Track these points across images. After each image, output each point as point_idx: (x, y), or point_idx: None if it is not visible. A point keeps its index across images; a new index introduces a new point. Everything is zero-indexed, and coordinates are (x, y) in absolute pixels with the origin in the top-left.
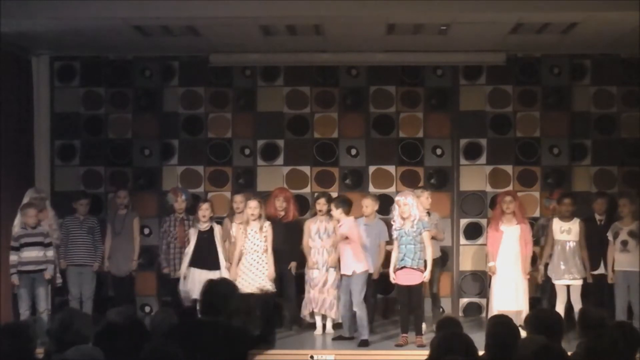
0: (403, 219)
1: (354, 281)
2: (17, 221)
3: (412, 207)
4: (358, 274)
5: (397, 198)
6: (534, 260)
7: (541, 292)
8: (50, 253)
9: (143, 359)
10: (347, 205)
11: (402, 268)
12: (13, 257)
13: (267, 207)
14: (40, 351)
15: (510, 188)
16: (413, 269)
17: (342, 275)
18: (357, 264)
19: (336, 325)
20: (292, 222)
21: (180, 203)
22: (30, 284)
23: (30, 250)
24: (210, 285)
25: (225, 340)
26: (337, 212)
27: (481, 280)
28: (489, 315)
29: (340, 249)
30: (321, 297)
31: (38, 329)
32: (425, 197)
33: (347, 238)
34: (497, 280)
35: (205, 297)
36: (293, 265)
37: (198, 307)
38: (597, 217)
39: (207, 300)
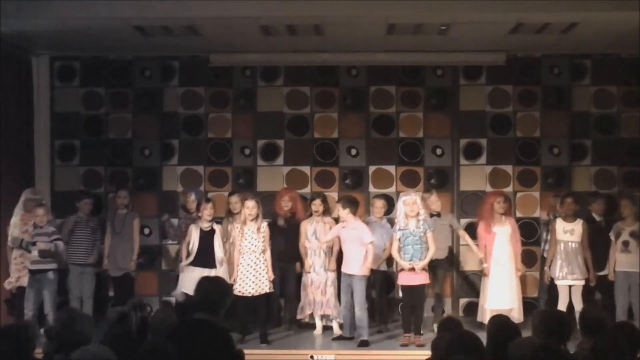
0: (410, 217)
1: (356, 281)
2: (13, 221)
3: (420, 206)
4: (361, 275)
5: (405, 197)
6: (533, 259)
7: (545, 292)
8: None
9: (139, 358)
10: (354, 206)
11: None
12: (35, 251)
13: (274, 207)
14: (39, 351)
15: (510, 188)
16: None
17: (343, 274)
18: (362, 264)
19: (342, 326)
20: (294, 222)
21: (190, 203)
22: (37, 285)
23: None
24: (205, 283)
25: (222, 340)
26: (344, 213)
27: (481, 281)
28: (481, 315)
29: (346, 248)
30: (324, 298)
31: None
32: (435, 199)
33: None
34: (488, 280)
35: (201, 294)
36: (298, 265)
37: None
38: (597, 217)
39: (204, 298)
